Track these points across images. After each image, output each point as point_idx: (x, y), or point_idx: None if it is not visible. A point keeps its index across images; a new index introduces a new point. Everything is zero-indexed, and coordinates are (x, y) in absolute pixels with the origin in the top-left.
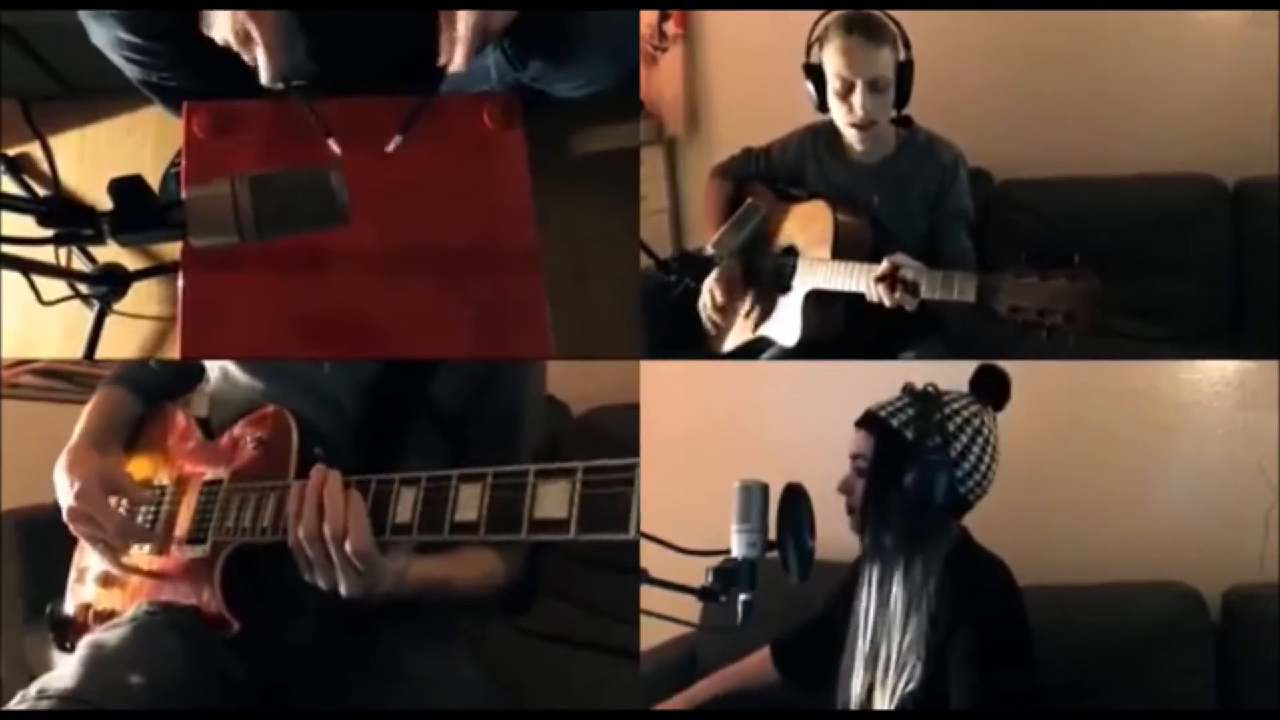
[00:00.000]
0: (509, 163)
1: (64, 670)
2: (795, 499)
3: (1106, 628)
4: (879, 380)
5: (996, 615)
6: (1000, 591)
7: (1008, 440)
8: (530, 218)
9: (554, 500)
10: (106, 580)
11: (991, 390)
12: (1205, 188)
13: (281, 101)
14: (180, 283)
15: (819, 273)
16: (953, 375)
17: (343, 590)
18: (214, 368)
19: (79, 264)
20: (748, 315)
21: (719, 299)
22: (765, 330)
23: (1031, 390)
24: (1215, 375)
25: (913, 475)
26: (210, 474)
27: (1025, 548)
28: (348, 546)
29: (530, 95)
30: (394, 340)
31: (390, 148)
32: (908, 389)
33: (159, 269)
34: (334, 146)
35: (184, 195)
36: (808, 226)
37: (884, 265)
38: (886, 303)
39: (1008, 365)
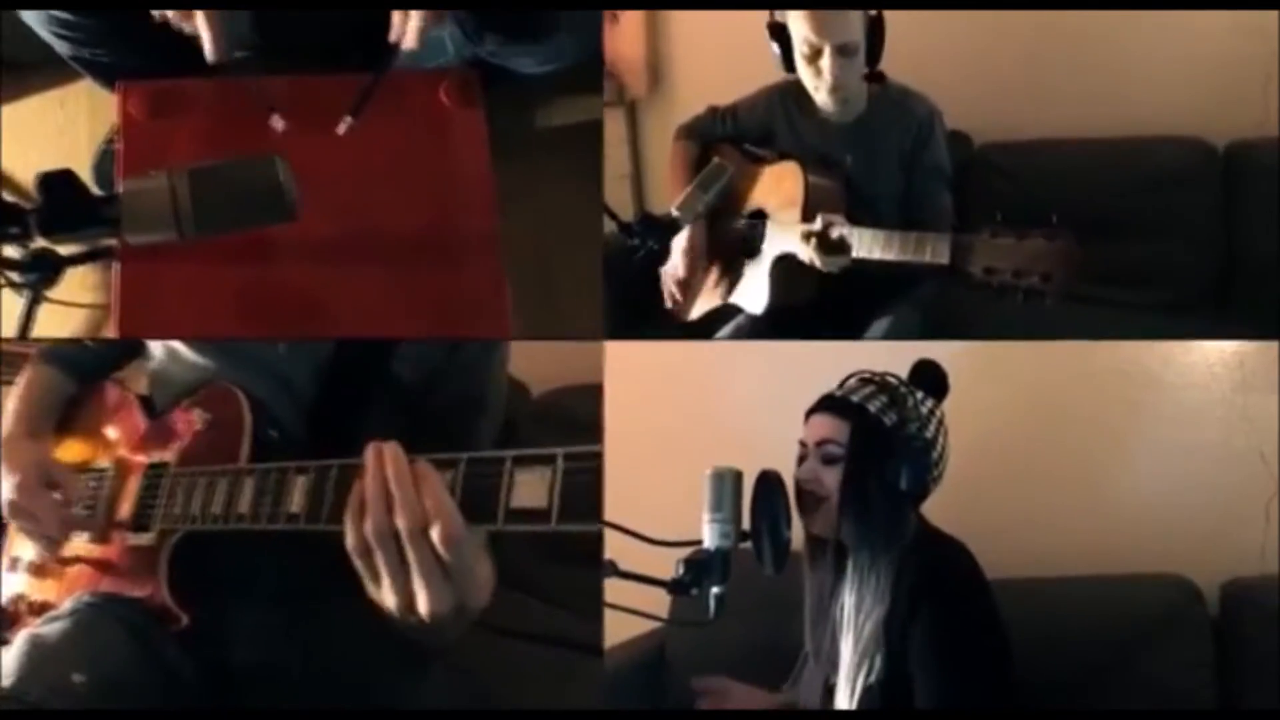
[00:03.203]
0: (468, 142)
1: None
2: (770, 487)
3: (1098, 622)
4: (858, 360)
5: (956, 599)
6: (960, 574)
7: (990, 426)
8: (491, 198)
9: (533, 489)
10: (40, 570)
11: (932, 384)
12: (1195, 150)
13: (224, 81)
14: (116, 270)
15: (788, 236)
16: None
17: (424, 608)
18: (158, 345)
19: (9, 250)
20: (716, 281)
21: (682, 272)
22: (733, 298)
23: (1014, 372)
24: (1212, 356)
25: (894, 463)
26: (155, 456)
27: (1011, 540)
28: (434, 535)
29: (489, 71)
30: (346, 325)
31: (341, 129)
32: (863, 376)
33: (94, 254)
34: (278, 123)
35: (119, 189)
36: (777, 188)
37: (815, 222)
38: (817, 263)
39: (988, 346)
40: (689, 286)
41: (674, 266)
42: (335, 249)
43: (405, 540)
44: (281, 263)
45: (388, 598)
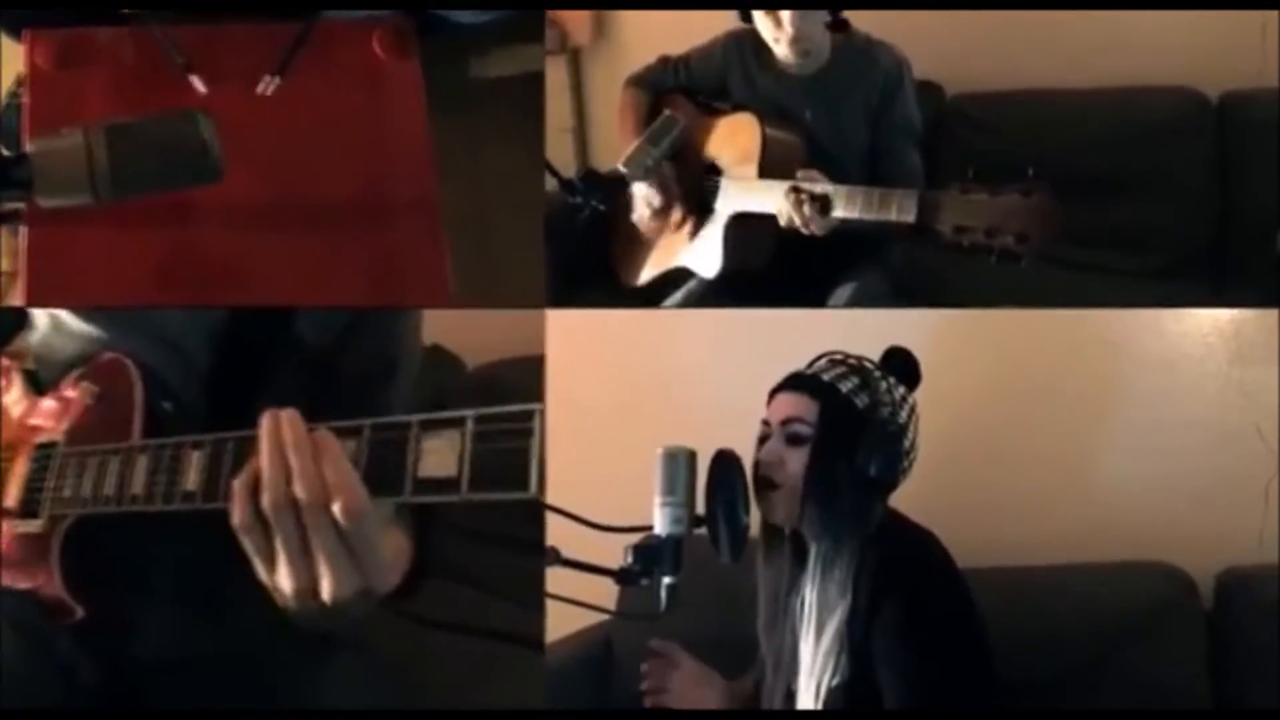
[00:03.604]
0: (403, 96)
1: None
2: (727, 467)
3: (1082, 616)
4: (819, 328)
5: (924, 591)
6: (928, 564)
7: (962, 402)
8: (427, 156)
9: (441, 455)
10: None
11: (904, 371)
12: (1186, 101)
13: (139, 29)
14: (23, 235)
15: (744, 194)
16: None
17: (326, 591)
18: (41, 315)
19: None
20: (664, 244)
21: (635, 228)
22: (683, 259)
23: (988, 343)
24: (1205, 325)
25: (865, 448)
26: (43, 436)
27: (987, 526)
28: (336, 510)
29: (424, 20)
30: (273, 292)
31: (268, 89)
32: (833, 357)
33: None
34: (198, 85)
35: (27, 148)
36: (732, 142)
37: (795, 179)
38: (796, 221)
39: (960, 315)
40: (641, 244)
41: (625, 225)
42: (261, 212)
43: (304, 515)
44: (203, 226)
45: (284, 580)
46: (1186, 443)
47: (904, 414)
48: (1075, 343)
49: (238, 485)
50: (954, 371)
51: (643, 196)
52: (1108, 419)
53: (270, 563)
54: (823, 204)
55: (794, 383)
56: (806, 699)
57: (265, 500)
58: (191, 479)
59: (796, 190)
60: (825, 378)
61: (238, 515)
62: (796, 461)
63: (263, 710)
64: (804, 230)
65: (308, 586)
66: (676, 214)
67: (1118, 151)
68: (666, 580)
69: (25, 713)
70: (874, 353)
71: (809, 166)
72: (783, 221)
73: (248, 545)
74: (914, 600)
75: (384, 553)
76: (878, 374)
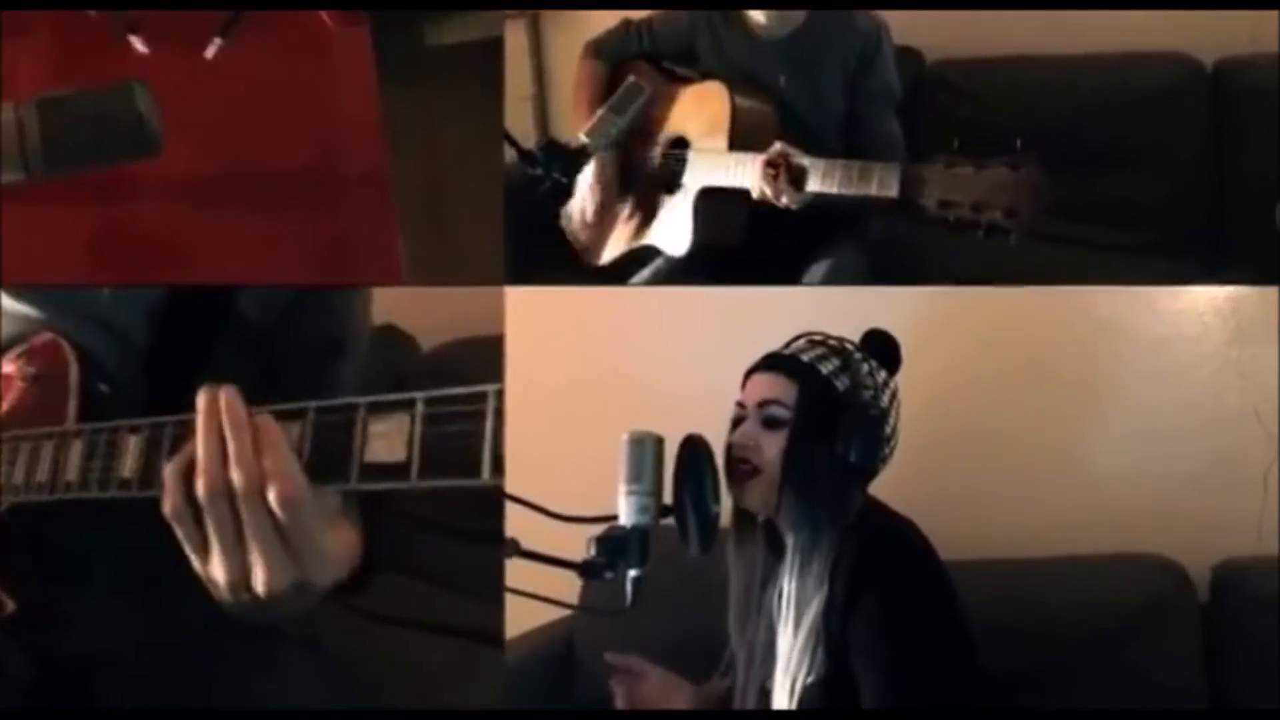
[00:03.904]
0: (352, 65)
1: None
2: (696, 454)
3: (1072, 610)
4: (793, 308)
5: (904, 583)
6: (907, 555)
7: (945, 385)
8: (378, 128)
9: (389, 440)
10: None
11: (884, 354)
12: (1180, 68)
13: None
14: None
15: (713, 167)
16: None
17: (260, 583)
18: None
19: None
20: (628, 219)
21: (592, 207)
22: (649, 237)
23: (973, 323)
24: (1202, 303)
25: (846, 433)
26: None
27: (973, 517)
28: (271, 497)
29: None
30: (216, 270)
31: (209, 52)
32: (811, 337)
33: None
34: (138, 45)
35: None
36: (700, 112)
37: (769, 152)
38: (769, 195)
39: (944, 293)
40: (598, 226)
41: (580, 203)
42: (202, 186)
43: (239, 503)
44: (142, 202)
45: (217, 571)
46: (1181, 427)
47: (885, 398)
48: (1065, 322)
49: (170, 471)
50: (937, 352)
51: (580, 196)
52: (1099, 402)
53: (203, 552)
54: (798, 177)
55: (772, 363)
56: (781, 697)
57: (200, 485)
58: (128, 465)
59: (770, 163)
60: (805, 358)
61: (169, 502)
62: (773, 446)
63: (263, 710)
64: (778, 205)
65: (240, 578)
66: (626, 206)
67: (1109, 121)
68: (632, 573)
69: (25, 712)
70: (853, 333)
71: (782, 137)
72: (755, 195)
73: (180, 534)
74: (893, 593)
75: (325, 544)
76: (858, 356)
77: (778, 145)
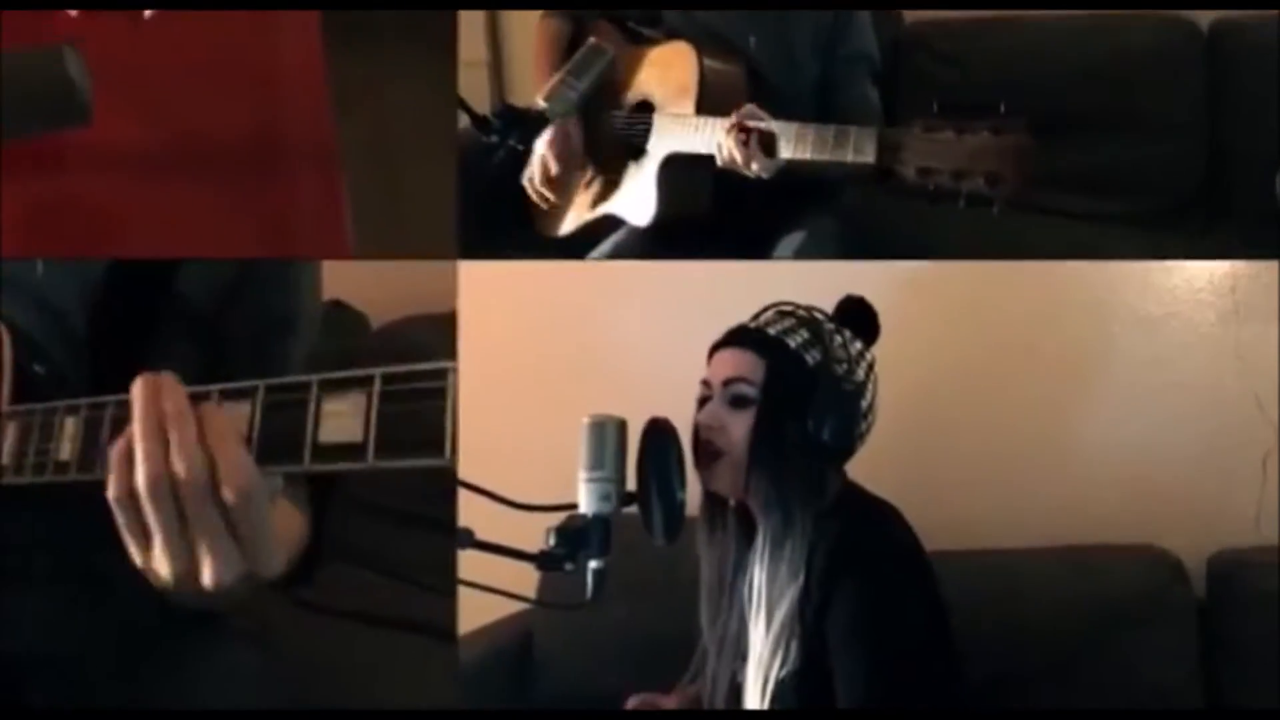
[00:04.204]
0: (297, 28)
1: None
2: (661, 438)
3: (1060, 604)
4: (763, 282)
5: (883, 572)
6: (888, 541)
7: (927, 366)
8: (323, 93)
9: (344, 419)
10: None
11: (860, 324)
12: (1173, 30)
13: None
14: None
15: (679, 132)
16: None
17: (207, 577)
18: None
19: None
20: (588, 187)
21: (552, 168)
22: (611, 206)
23: (955, 300)
24: (1198, 279)
25: (817, 410)
26: None
27: (955, 505)
28: (224, 492)
29: None
30: (152, 244)
31: (148, 13)
32: (781, 308)
33: None
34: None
35: None
36: (666, 75)
37: (733, 116)
38: (738, 160)
39: (923, 267)
40: (559, 186)
41: (543, 160)
42: (138, 157)
43: (184, 495)
44: (73, 175)
45: (161, 563)
46: (1175, 411)
47: (861, 372)
48: (1052, 299)
49: (114, 454)
50: (916, 331)
51: (539, 156)
52: (1088, 384)
53: (144, 543)
54: (767, 142)
55: (737, 338)
56: (754, 692)
57: (139, 475)
58: (66, 448)
59: (739, 127)
60: (772, 331)
61: (114, 486)
62: (740, 426)
63: (264, 710)
64: (746, 172)
65: (186, 571)
66: (586, 173)
67: (1099, 85)
68: (593, 564)
69: (25, 712)
70: (827, 309)
71: (753, 101)
72: (721, 162)
73: (121, 521)
74: (871, 583)
75: (274, 535)
76: (830, 327)
77: (746, 107)
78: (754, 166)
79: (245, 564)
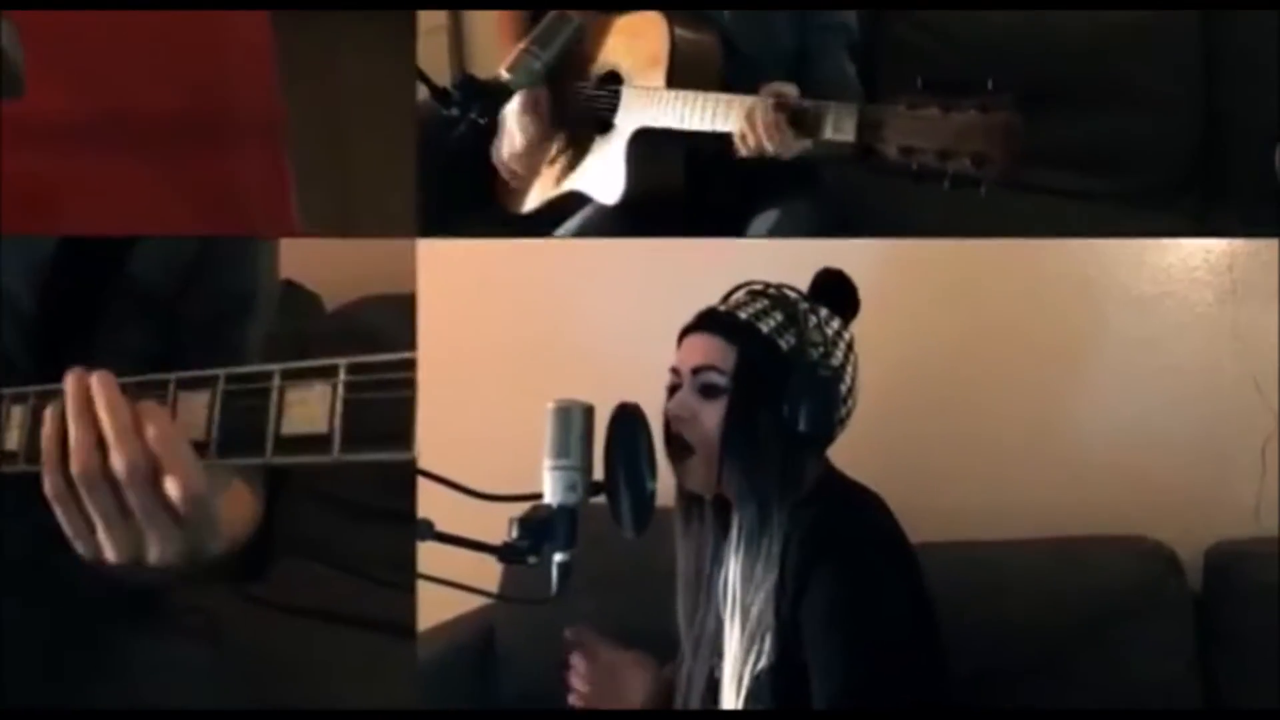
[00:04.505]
0: None
1: None
2: (629, 424)
3: (1050, 598)
4: (740, 264)
5: (863, 562)
6: (868, 530)
7: (910, 350)
8: (269, 63)
9: (309, 409)
10: None
11: (839, 299)
12: None
13: None
14: None
15: (650, 106)
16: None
17: (154, 557)
18: None
19: None
20: (554, 162)
21: (524, 137)
22: (577, 183)
23: (940, 281)
24: (1194, 258)
25: (793, 398)
26: None
27: (939, 494)
28: (169, 487)
29: None
30: (89, 222)
31: None
32: (752, 288)
33: None
34: None
35: None
36: (635, 45)
37: (764, 94)
38: (767, 146)
39: (906, 247)
40: (532, 156)
41: (509, 142)
42: (73, 131)
43: (124, 485)
44: (6, 149)
45: (106, 549)
46: (1170, 395)
47: (839, 354)
48: (1041, 280)
49: (45, 449)
50: (899, 313)
51: (510, 126)
52: (1079, 367)
53: (87, 533)
54: (810, 121)
55: (706, 322)
56: (729, 691)
57: (73, 466)
58: (13, 437)
59: (777, 106)
60: (742, 315)
61: (49, 482)
62: (711, 416)
63: (264, 710)
64: (774, 155)
65: (131, 555)
66: (555, 146)
67: (1089, 58)
68: (558, 557)
69: (25, 713)
70: (804, 289)
71: (726, 72)
72: (747, 150)
73: (60, 514)
74: (848, 570)
75: (220, 515)
76: (805, 307)
77: (775, 86)
78: (783, 153)
79: (191, 543)
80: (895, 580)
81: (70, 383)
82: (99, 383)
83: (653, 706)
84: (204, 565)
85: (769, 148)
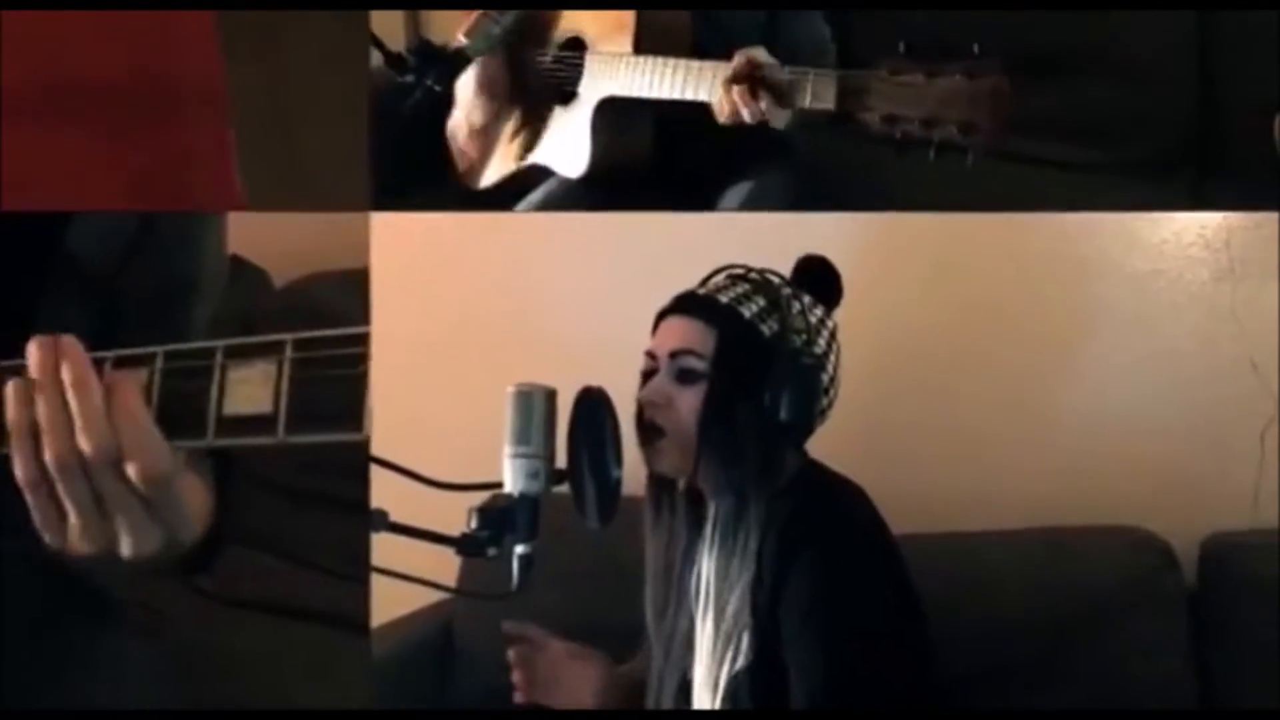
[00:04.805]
0: None
1: None
2: (594, 409)
3: (1039, 592)
4: (713, 240)
5: (844, 556)
6: (849, 523)
7: (892, 331)
8: (210, 29)
9: (252, 388)
10: None
11: (822, 287)
12: None
13: None
14: None
15: (617, 73)
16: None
17: (127, 550)
18: None
19: None
20: (514, 135)
21: (479, 116)
22: (539, 156)
23: (923, 257)
24: (1189, 233)
25: (774, 386)
26: None
27: (925, 483)
28: (131, 471)
29: None
30: (20, 196)
31: None
32: (733, 272)
33: None
34: None
35: None
36: (600, 10)
37: (737, 61)
38: (745, 115)
39: (887, 221)
40: (487, 137)
41: (466, 111)
42: (10, 103)
43: (92, 472)
44: None
45: (78, 542)
46: (1165, 378)
47: (822, 342)
48: (1029, 257)
49: (15, 431)
50: (881, 292)
51: (464, 103)
52: (1069, 349)
53: (59, 521)
54: (785, 91)
55: (685, 305)
56: (703, 693)
57: (48, 455)
58: None
59: (749, 78)
60: (724, 299)
61: (21, 469)
62: (688, 402)
63: (266, 710)
64: (745, 123)
65: (105, 548)
66: (515, 118)
67: (1081, 22)
68: (519, 550)
69: (25, 713)
70: (780, 267)
71: (695, 37)
72: (724, 118)
73: (31, 503)
74: (829, 564)
75: (189, 502)
76: (788, 292)
77: (747, 54)
78: (771, 120)
79: (164, 535)
80: (878, 573)
81: (36, 354)
82: (67, 354)
83: (605, 704)
84: (174, 560)
85: (745, 116)
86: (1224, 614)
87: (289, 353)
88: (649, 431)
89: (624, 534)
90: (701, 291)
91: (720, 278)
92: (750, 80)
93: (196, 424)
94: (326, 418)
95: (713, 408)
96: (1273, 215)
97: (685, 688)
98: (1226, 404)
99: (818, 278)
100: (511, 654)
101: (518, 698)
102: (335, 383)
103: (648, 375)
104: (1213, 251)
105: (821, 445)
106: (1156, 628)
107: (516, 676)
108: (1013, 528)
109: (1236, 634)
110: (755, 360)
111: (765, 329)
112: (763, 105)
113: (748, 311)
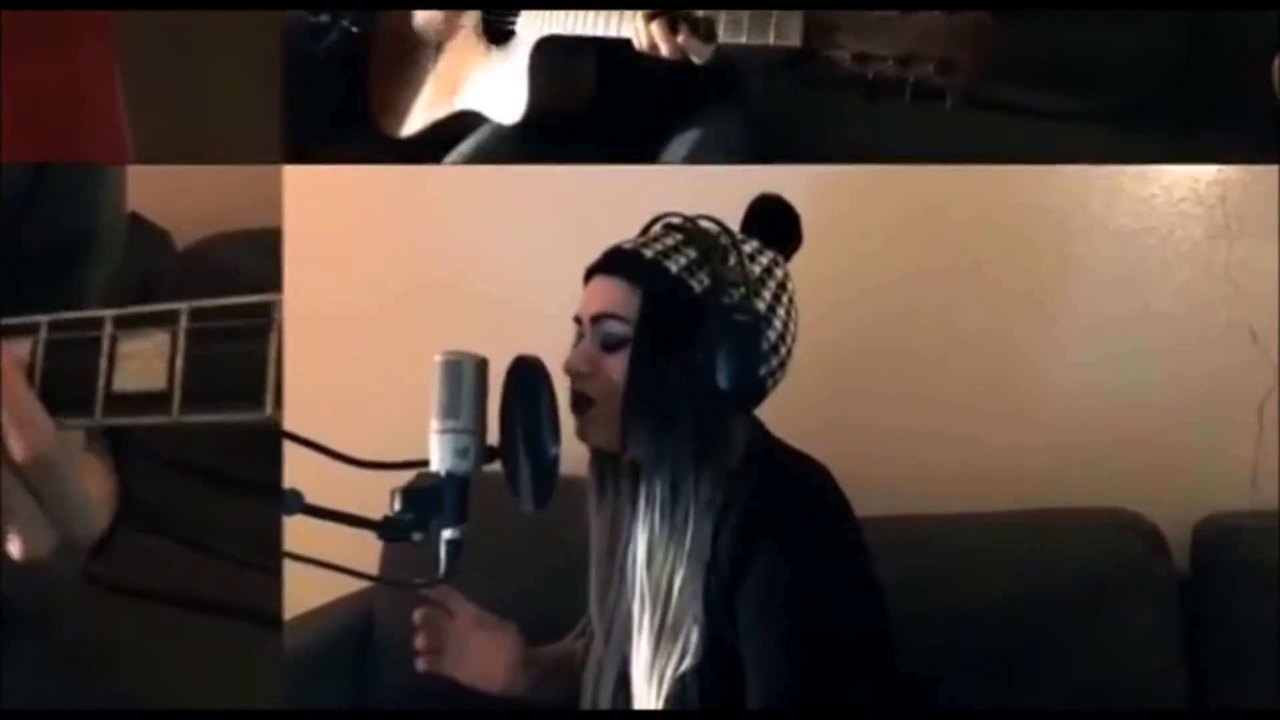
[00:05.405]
0: None
1: None
2: (529, 380)
3: (1020, 580)
4: (659, 193)
5: (804, 542)
6: (811, 505)
7: (858, 294)
8: None
9: (145, 362)
10: None
11: (777, 231)
12: None
13: None
14: None
15: (556, 11)
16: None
17: (17, 550)
18: None
19: None
20: (442, 79)
21: (402, 57)
22: (469, 100)
23: (893, 212)
24: (1180, 188)
25: (706, 346)
26: None
27: (893, 461)
28: (16, 453)
29: None
30: None
31: None
32: (669, 221)
33: None
34: None
35: None
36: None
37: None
38: (664, 50)
39: (852, 173)
40: (411, 80)
41: (387, 51)
42: None
43: None
44: None
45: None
46: (1154, 346)
47: (766, 296)
48: (1008, 210)
49: None
50: (843, 250)
51: (386, 46)
52: (1048, 313)
53: None
54: (706, 29)
55: (609, 263)
56: (645, 690)
57: None
58: None
59: (666, 14)
60: (649, 253)
61: None
62: (615, 370)
63: (267, 710)
64: (671, 58)
65: None
66: (442, 59)
67: None
68: (447, 534)
69: (25, 713)
70: (734, 222)
71: None
72: (642, 45)
73: None
74: (789, 556)
75: (83, 491)
76: (726, 241)
77: None
78: (693, 56)
79: (57, 532)
80: (845, 563)
81: None
82: None
83: (514, 680)
84: (80, 558)
85: (664, 51)
86: (1219, 603)
87: (184, 323)
88: (578, 402)
89: (564, 516)
90: (627, 246)
91: (656, 228)
92: (668, 14)
93: (84, 401)
94: (225, 395)
95: (637, 372)
96: (1271, 168)
97: (625, 679)
98: (1221, 374)
99: (773, 220)
100: (417, 615)
101: (420, 665)
102: (235, 357)
103: (579, 341)
104: (1206, 207)
105: (780, 419)
106: (1145, 618)
107: (420, 641)
108: (988, 510)
109: (1232, 625)
110: (684, 318)
111: (695, 283)
112: (680, 39)
113: (675, 265)
